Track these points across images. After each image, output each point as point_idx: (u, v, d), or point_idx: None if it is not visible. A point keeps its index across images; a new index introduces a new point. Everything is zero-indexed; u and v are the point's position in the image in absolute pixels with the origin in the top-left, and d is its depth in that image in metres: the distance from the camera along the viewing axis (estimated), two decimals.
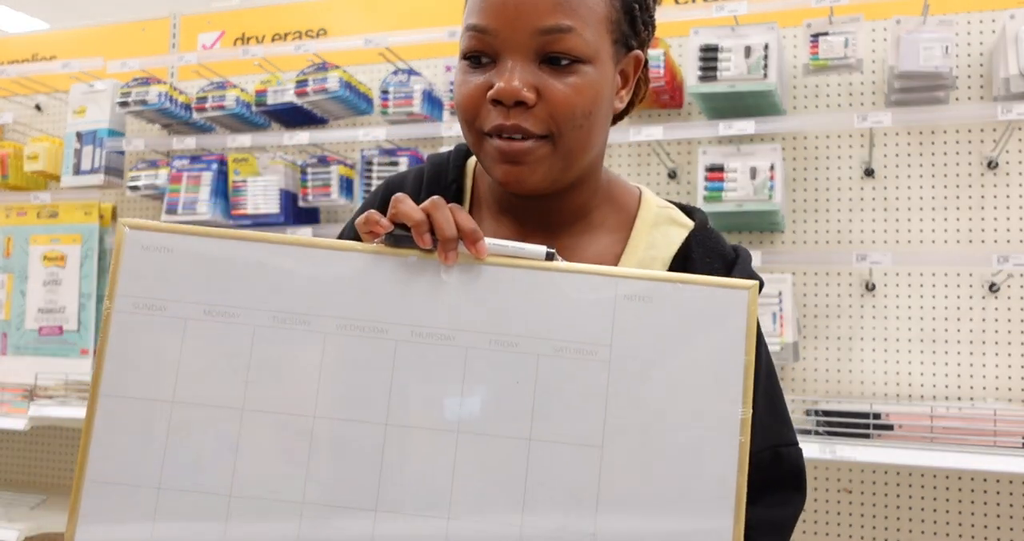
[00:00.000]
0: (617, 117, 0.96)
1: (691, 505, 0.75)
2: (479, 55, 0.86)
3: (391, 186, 1.04)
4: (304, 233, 2.72)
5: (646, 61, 0.97)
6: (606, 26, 0.87)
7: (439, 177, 1.01)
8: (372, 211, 0.80)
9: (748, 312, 0.77)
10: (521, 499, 0.75)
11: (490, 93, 0.84)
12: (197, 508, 0.75)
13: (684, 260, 0.95)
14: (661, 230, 0.97)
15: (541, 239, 0.93)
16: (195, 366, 0.77)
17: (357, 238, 0.98)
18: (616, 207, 0.99)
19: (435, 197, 0.79)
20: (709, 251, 0.95)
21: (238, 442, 0.75)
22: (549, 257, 0.79)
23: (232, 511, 0.75)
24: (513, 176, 0.87)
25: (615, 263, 0.95)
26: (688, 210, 1.02)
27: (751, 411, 0.76)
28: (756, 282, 0.79)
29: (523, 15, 0.83)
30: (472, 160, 1.04)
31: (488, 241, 0.79)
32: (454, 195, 0.99)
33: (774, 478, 0.94)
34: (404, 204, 0.78)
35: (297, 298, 0.77)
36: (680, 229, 0.98)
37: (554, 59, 0.84)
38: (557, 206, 0.94)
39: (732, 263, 0.96)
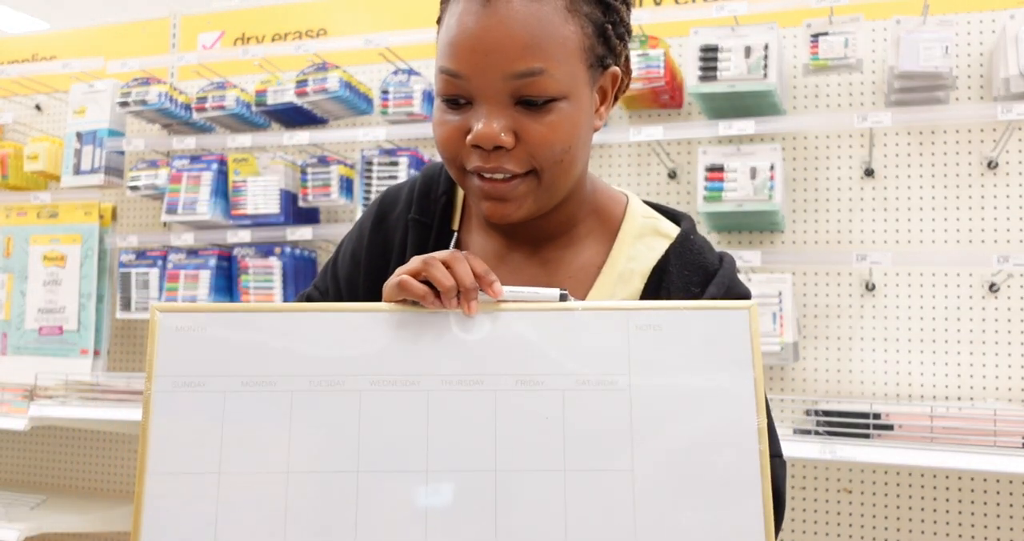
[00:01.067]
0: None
1: (723, 512, 0.79)
2: (455, 97, 0.86)
3: (386, 200, 1.05)
4: (304, 233, 2.72)
5: (627, 57, 0.96)
6: (579, 56, 0.86)
7: (430, 190, 1.02)
8: (408, 280, 0.82)
9: (751, 330, 0.83)
10: (563, 528, 0.79)
11: (469, 138, 0.85)
12: None
13: (661, 273, 0.95)
14: (644, 242, 0.98)
15: (527, 252, 0.96)
16: (238, 437, 0.80)
17: (356, 255, 1.01)
18: (602, 218, 1.00)
19: (453, 252, 0.83)
20: (687, 264, 0.96)
21: (286, 506, 0.79)
22: (562, 298, 0.85)
23: None
24: (499, 212, 0.88)
25: (596, 275, 0.96)
26: (675, 217, 1.02)
27: (765, 420, 0.81)
28: (754, 303, 0.84)
29: (493, 61, 0.82)
30: None
31: (505, 289, 0.84)
32: (443, 207, 1.00)
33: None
34: (436, 270, 0.82)
35: (330, 362, 0.82)
36: (662, 240, 0.98)
37: (529, 101, 0.84)
38: (543, 222, 0.96)
39: (712, 274, 0.96)
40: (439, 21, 0.92)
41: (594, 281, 0.96)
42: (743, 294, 0.98)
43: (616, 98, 0.97)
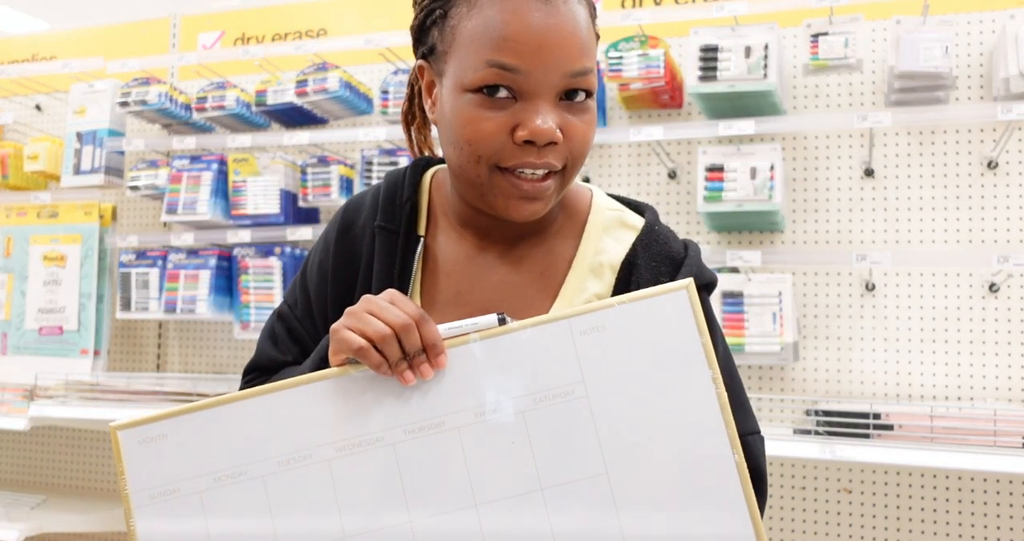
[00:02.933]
0: None
1: (703, 497, 0.80)
2: (499, 88, 0.86)
3: (349, 209, 1.05)
4: (304, 233, 2.72)
5: None
6: (595, 60, 0.92)
7: (394, 196, 1.02)
8: (366, 350, 0.81)
9: (692, 308, 0.83)
10: None
11: (523, 134, 0.85)
12: None
13: (630, 267, 0.97)
14: (611, 234, 1.00)
15: (498, 251, 0.97)
16: (224, 531, 0.82)
17: (323, 267, 1.00)
18: (569, 213, 1.01)
19: (404, 321, 0.81)
20: (654, 255, 0.97)
21: None
22: (501, 322, 0.84)
23: None
24: (528, 212, 0.90)
25: (567, 270, 0.98)
26: (639, 208, 1.04)
27: (726, 396, 0.82)
28: (690, 280, 0.83)
29: (558, 58, 0.85)
30: (427, 175, 1.05)
31: (442, 328, 0.83)
32: (409, 212, 1.00)
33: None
34: (387, 348, 0.81)
35: (292, 439, 0.83)
36: (629, 232, 1.00)
37: (574, 95, 0.88)
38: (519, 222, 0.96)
39: (680, 263, 0.97)
40: (443, 14, 0.91)
41: (565, 276, 0.97)
42: (710, 280, 0.99)
43: None
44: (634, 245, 0.98)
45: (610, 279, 0.97)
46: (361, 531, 0.81)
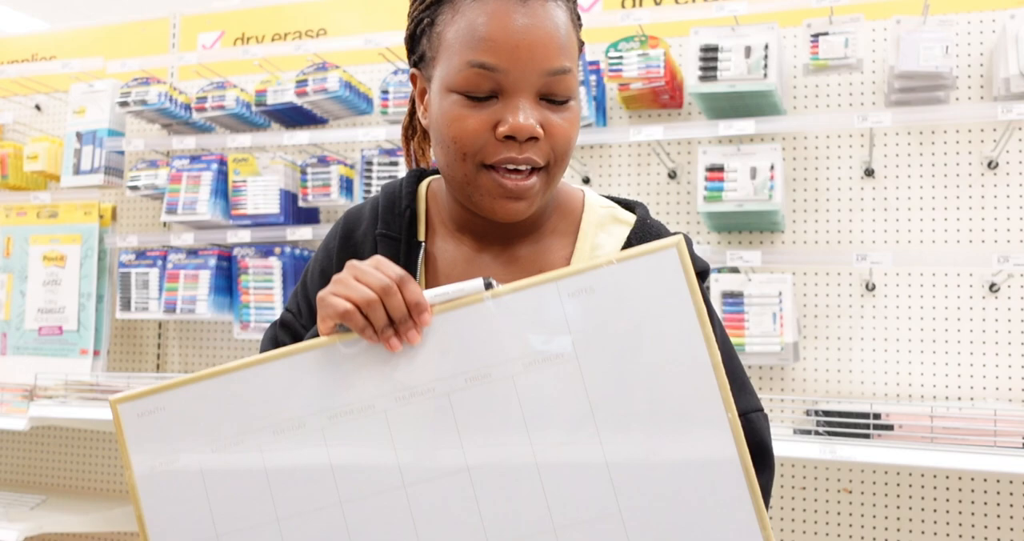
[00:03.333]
0: None
1: (695, 456, 0.80)
2: (484, 91, 0.90)
3: (349, 218, 1.08)
4: (304, 233, 2.72)
5: None
6: (578, 64, 0.95)
7: (393, 205, 1.05)
8: (351, 312, 0.83)
9: (683, 266, 0.82)
10: (545, 506, 0.80)
11: (504, 129, 0.89)
12: None
13: None
14: (606, 230, 1.03)
15: (495, 252, 1.00)
16: (224, 498, 0.84)
17: (326, 273, 1.03)
18: (563, 212, 1.04)
19: (385, 284, 0.82)
20: None
21: None
22: (488, 286, 0.84)
23: None
24: (512, 211, 0.93)
25: (566, 265, 1.00)
26: (629, 206, 1.06)
27: (717, 352, 0.81)
28: (680, 237, 0.84)
29: (535, 57, 0.89)
30: (423, 184, 1.08)
31: (428, 293, 0.84)
32: (408, 220, 1.03)
33: (750, 445, 0.96)
34: (372, 312, 0.82)
35: (286, 408, 0.84)
36: (623, 226, 1.03)
37: (552, 98, 0.91)
38: (516, 222, 0.99)
39: None
40: (431, 22, 0.95)
41: None
42: (703, 268, 1.01)
43: None
44: (628, 238, 1.01)
45: None
46: (356, 496, 0.82)
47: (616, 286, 0.82)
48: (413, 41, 0.99)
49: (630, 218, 1.03)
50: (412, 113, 1.10)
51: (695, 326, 0.81)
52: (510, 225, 0.99)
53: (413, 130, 1.11)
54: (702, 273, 1.02)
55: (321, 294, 0.85)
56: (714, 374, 0.80)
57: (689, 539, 0.79)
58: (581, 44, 0.98)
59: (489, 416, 0.81)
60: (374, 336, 0.83)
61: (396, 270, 0.84)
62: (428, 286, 1.00)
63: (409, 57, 1.02)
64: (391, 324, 0.83)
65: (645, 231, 1.01)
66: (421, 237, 1.03)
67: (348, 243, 1.05)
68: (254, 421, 0.84)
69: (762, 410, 1.00)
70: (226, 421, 0.84)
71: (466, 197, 0.95)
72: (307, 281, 1.08)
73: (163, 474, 0.85)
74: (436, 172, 1.09)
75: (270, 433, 0.84)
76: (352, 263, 0.87)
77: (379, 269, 0.84)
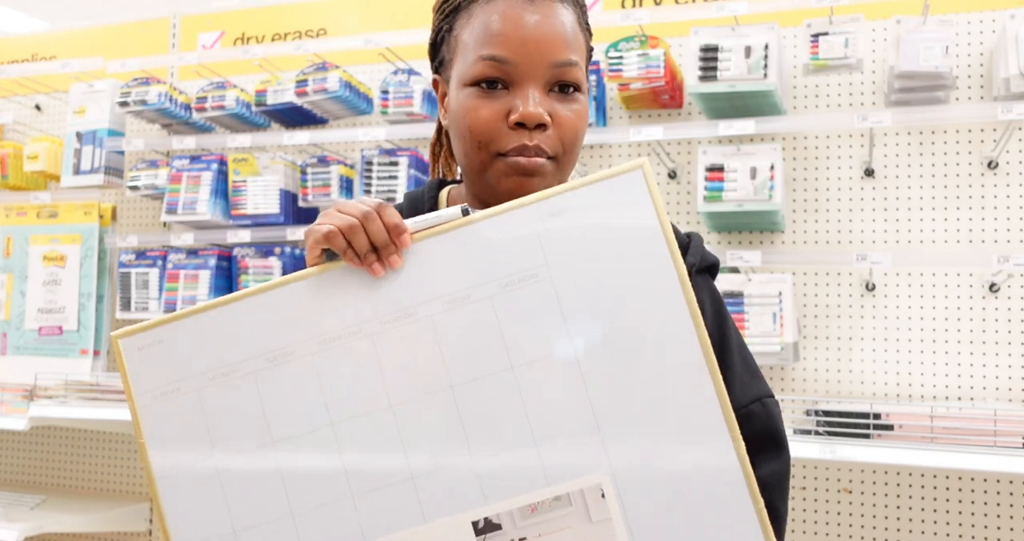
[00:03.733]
0: None
1: (668, 370, 0.84)
2: (495, 82, 0.96)
3: None
4: (303, 233, 2.72)
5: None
6: (586, 60, 1.03)
7: (415, 207, 1.11)
8: (333, 233, 0.87)
9: (649, 188, 0.86)
10: (525, 417, 0.84)
11: (515, 117, 0.95)
12: (271, 538, 0.87)
13: None
14: None
15: None
16: (221, 425, 0.88)
17: None
18: None
19: (365, 210, 0.87)
20: None
21: (280, 472, 0.87)
22: (464, 213, 0.88)
23: (301, 534, 0.86)
24: (527, 187, 0.96)
25: None
26: None
27: (685, 269, 0.85)
28: (645, 160, 0.88)
29: (542, 49, 0.95)
30: (444, 191, 1.14)
31: (408, 222, 0.88)
32: None
33: (765, 431, 1.01)
34: (355, 236, 0.87)
35: (277, 336, 0.88)
36: None
37: (563, 87, 0.97)
38: None
39: (686, 246, 1.06)
40: (448, 29, 1.02)
41: None
42: (714, 262, 1.08)
43: None
44: None
45: None
46: (346, 417, 0.86)
47: (586, 207, 0.86)
48: (435, 49, 1.07)
49: None
50: (439, 129, 1.17)
51: (662, 243, 0.85)
52: None
53: (440, 145, 1.18)
54: (712, 267, 1.08)
55: (308, 227, 0.90)
56: (682, 289, 0.84)
57: (659, 451, 0.83)
58: (590, 49, 1.05)
59: (469, 337, 0.85)
60: (356, 259, 0.87)
61: (374, 200, 0.89)
62: None
63: (432, 65, 1.09)
64: (374, 250, 0.87)
65: None
66: None
67: None
68: (247, 350, 0.88)
69: (773, 397, 1.04)
70: (222, 351, 0.88)
71: (483, 183, 1.00)
72: None
73: (163, 403, 0.89)
74: (456, 181, 1.16)
75: (264, 361, 0.88)
76: (337, 201, 0.90)
77: (360, 201, 0.89)
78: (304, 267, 1.13)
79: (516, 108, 0.95)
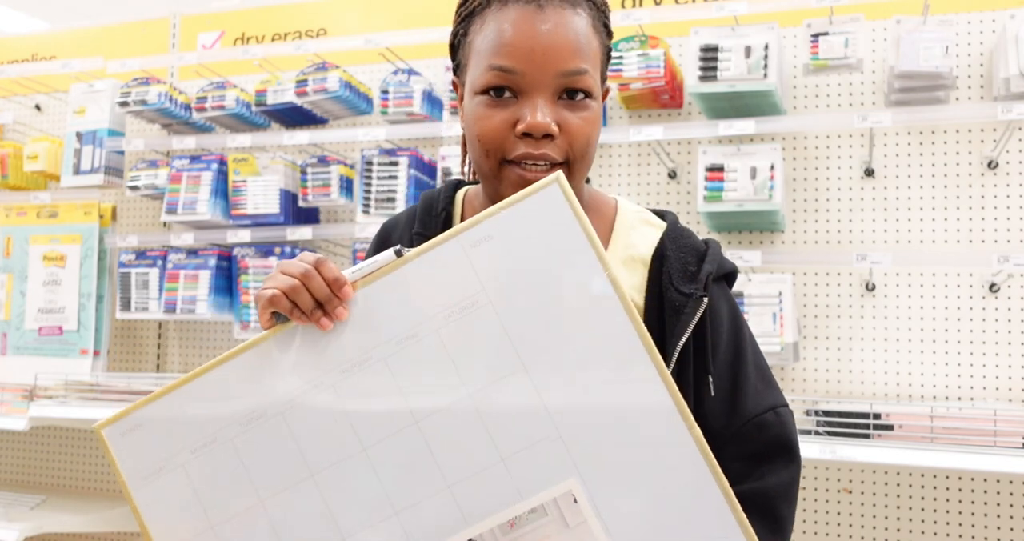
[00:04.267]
0: None
1: (616, 371, 0.87)
2: (503, 90, 0.98)
3: (387, 225, 1.18)
4: (304, 233, 2.72)
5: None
6: (599, 67, 1.02)
7: (431, 208, 1.13)
8: (278, 297, 0.91)
9: (567, 199, 0.89)
10: (494, 446, 0.87)
11: (521, 127, 0.96)
12: None
13: (661, 259, 1.05)
14: (638, 231, 1.09)
15: None
16: (210, 492, 0.93)
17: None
18: (598, 216, 1.11)
19: (305, 269, 0.90)
20: (681, 247, 1.06)
21: (274, 528, 0.91)
22: (398, 254, 0.91)
23: None
24: None
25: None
26: (660, 213, 1.13)
27: (612, 271, 0.89)
28: (559, 173, 0.91)
29: (549, 59, 0.96)
30: (461, 192, 1.16)
31: (346, 272, 0.92)
32: (443, 222, 1.12)
33: (777, 440, 1.01)
34: (298, 296, 0.90)
35: (246, 401, 0.92)
36: (654, 229, 1.09)
37: (572, 94, 0.98)
38: None
39: (704, 253, 1.06)
40: (464, 33, 1.03)
41: None
42: (732, 270, 1.08)
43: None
44: (662, 239, 1.06)
45: (643, 272, 1.05)
46: (325, 466, 0.90)
47: (512, 230, 0.90)
48: (453, 51, 1.09)
49: (660, 223, 1.10)
50: None
51: (589, 254, 0.88)
52: None
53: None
54: (729, 276, 1.08)
55: (255, 293, 0.93)
56: (616, 294, 0.87)
57: (620, 445, 0.86)
58: (609, 50, 1.06)
59: (423, 371, 0.89)
60: (304, 317, 0.90)
61: (314, 256, 0.92)
62: None
63: (452, 66, 1.11)
64: (319, 306, 0.90)
65: (677, 233, 1.07)
66: None
67: (385, 245, 1.14)
68: (221, 419, 0.93)
69: (787, 405, 1.04)
70: (197, 424, 0.93)
71: (493, 190, 1.01)
72: None
73: (153, 482, 0.94)
74: (475, 182, 1.17)
75: (238, 427, 0.92)
76: (279, 262, 0.94)
77: (300, 259, 0.92)
78: None
79: (524, 118, 0.96)
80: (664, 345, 0.98)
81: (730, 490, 0.85)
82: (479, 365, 0.88)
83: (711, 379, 1.00)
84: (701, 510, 0.85)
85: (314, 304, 0.90)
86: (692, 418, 0.86)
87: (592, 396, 0.87)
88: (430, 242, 0.91)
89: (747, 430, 0.99)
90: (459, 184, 1.17)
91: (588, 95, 0.99)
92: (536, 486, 0.86)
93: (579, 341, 0.87)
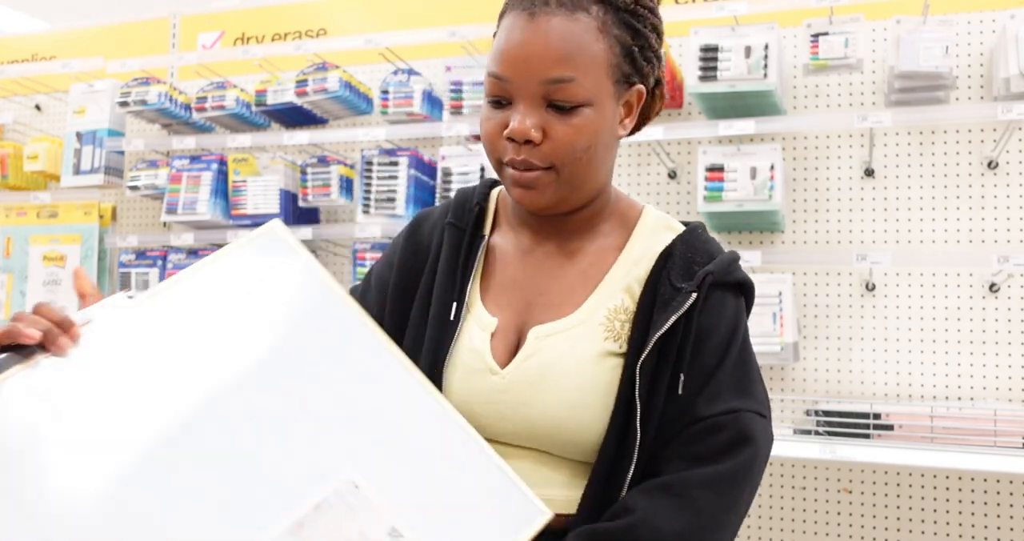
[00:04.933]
0: (632, 131, 1.10)
1: (356, 363, 0.92)
2: (499, 98, 1.00)
3: (420, 214, 1.20)
4: (304, 233, 2.72)
5: (658, 81, 1.08)
6: (606, 71, 0.99)
7: (466, 200, 1.15)
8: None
9: (285, 242, 0.96)
10: (252, 453, 0.85)
11: (505, 132, 0.98)
12: None
13: (667, 257, 1.05)
14: (658, 236, 1.09)
15: (554, 245, 1.10)
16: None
17: (390, 258, 1.18)
18: (623, 220, 1.12)
19: (17, 315, 0.90)
20: (691, 248, 1.06)
21: None
22: (131, 298, 0.94)
23: None
24: (526, 198, 1.02)
25: (614, 258, 1.08)
26: (687, 223, 1.13)
27: (342, 289, 0.94)
28: (276, 220, 0.98)
29: (532, 67, 0.96)
30: (496, 189, 1.19)
31: (78, 315, 0.93)
32: (476, 216, 1.13)
33: (728, 438, 0.98)
34: (20, 324, 0.88)
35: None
36: (672, 233, 1.09)
37: (559, 105, 0.97)
38: (567, 220, 1.08)
39: (715, 257, 1.05)
40: (495, 35, 1.04)
41: (612, 263, 1.07)
42: (742, 280, 1.07)
43: (646, 115, 1.11)
44: (674, 240, 1.06)
45: (647, 266, 1.05)
46: (70, 506, 0.80)
47: (237, 273, 0.95)
48: None
49: (681, 227, 1.10)
50: None
51: (320, 285, 0.93)
52: (563, 222, 1.08)
53: None
54: (741, 286, 1.07)
55: None
56: (354, 311, 0.93)
57: (380, 424, 0.89)
58: (631, 51, 1.00)
59: (173, 404, 0.86)
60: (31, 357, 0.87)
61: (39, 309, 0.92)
62: (484, 273, 1.11)
63: None
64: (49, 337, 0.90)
65: (694, 236, 1.07)
66: (485, 231, 1.14)
67: (416, 233, 1.16)
68: None
69: (758, 412, 1.00)
70: None
71: (505, 189, 1.05)
72: (373, 268, 1.21)
73: None
74: None
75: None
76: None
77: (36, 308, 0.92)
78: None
79: (508, 124, 0.98)
80: (647, 337, 0.98)
81: (492, 452, 0.90)
82: (228, 386, 0.88)
83: (682, 377, 0.99)
84: (468, 465, 0.90)
85: (37, 336, 0.87)
86: (422, 374, 0.93)
87: (348, 397, 0.90)
88: (160, 285, 0.95)
89: (696, 430, 0.97)
90: (495, 183, 1.19)
91: (579, 103, 0.97)
92: (313, 481, 0.85)
93: (344, 376, 0.91)
